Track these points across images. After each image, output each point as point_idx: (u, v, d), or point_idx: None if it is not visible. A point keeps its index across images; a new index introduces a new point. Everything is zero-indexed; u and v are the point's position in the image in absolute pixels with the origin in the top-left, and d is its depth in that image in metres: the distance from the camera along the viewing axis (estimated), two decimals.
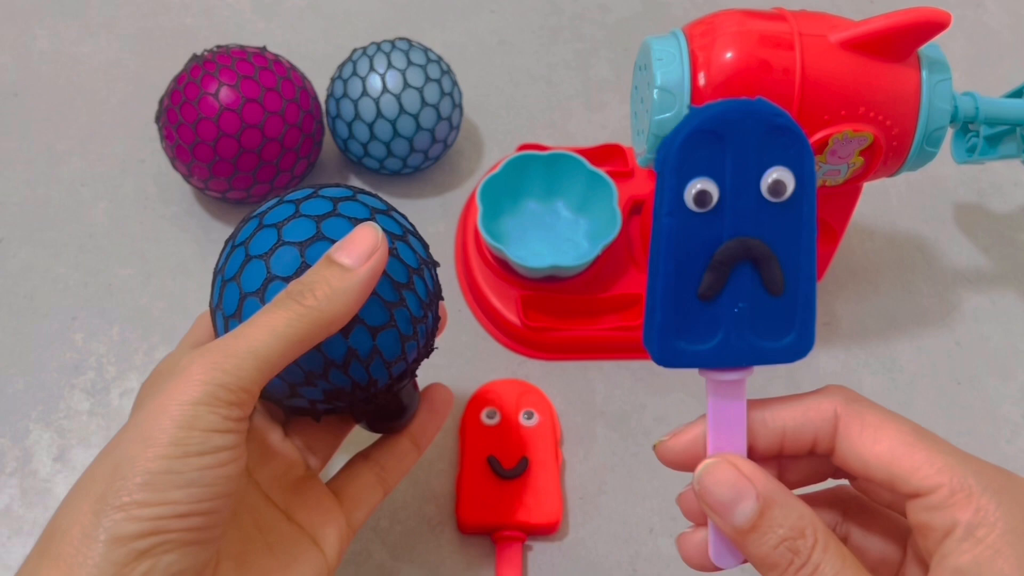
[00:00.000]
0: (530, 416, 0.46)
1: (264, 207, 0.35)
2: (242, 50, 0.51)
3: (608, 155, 0.55)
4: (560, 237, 0.52)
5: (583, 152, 0.54)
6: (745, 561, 0.28)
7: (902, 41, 0.39)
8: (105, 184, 0.56)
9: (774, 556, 0.26)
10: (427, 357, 0.36)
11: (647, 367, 0.51)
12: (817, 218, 0.27)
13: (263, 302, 0.32)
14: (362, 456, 0.38)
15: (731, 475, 0.27)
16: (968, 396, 0.51)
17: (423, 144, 0.53)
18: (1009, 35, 0.68)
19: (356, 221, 0.33)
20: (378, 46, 0.53)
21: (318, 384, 0.33)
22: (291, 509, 0.34)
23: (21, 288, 0.52)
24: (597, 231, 0.51)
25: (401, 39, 0.54)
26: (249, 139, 0.49)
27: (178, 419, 0.28)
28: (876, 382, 0.51)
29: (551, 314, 0.50)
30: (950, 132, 0.48)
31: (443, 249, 0.54)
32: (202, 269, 0.53)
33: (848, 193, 0.45)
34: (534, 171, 0.53)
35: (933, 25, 0.38)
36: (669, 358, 0.28)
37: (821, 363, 0.51)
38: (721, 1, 0.48)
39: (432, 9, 0.66)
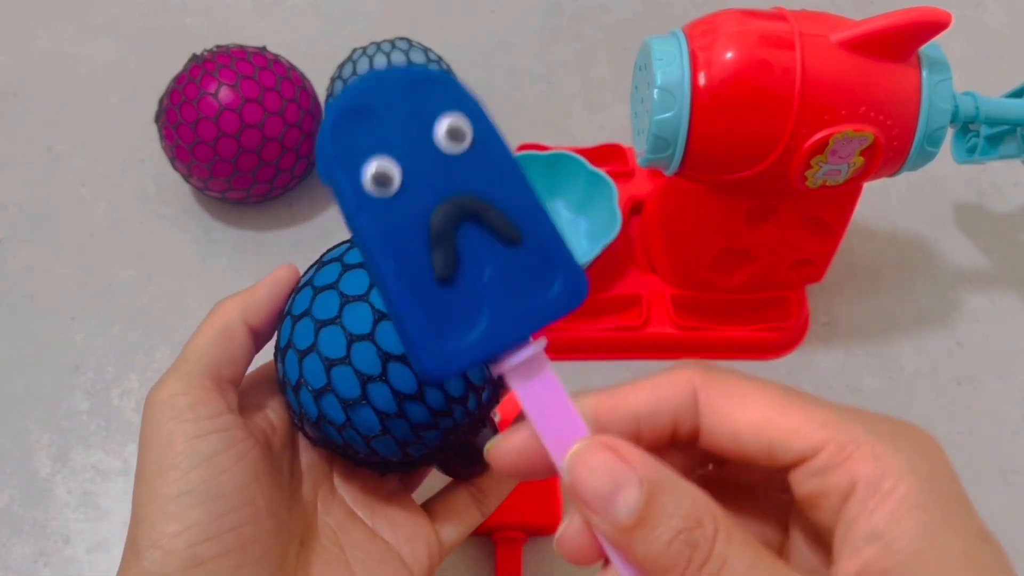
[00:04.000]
0: None
1: (308, 275, 0.33)
2: (242, 50, 0.51)
3: (608, 155, 0.55)
4: None
5: (583, 152, 0.54)
6: None
7: (902, 41, 0.39)
8: (105, 184, 0.56)
9: (669, 554, 0.21)
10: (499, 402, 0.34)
11: (647, 367, 0.51)
12: (513, 157, 0.24)
13: (351, 363, 0.30)
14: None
15: (607, 459, 0.22)
16: (968, 396, 0.51)
17: None
18: (1009, 35, 0.68)
19: None
20: (378, 46, 0.53)
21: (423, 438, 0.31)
22: (378, 524, 0.34)
23: (21, 288, 0.52)
24: (597, 231, 0.51)
25: (401, 39, 0.54)
26: (249, 139, 0.49)
27: (162, 447, 0.29)
28: (876, 382, 0.51)
29: None
30: (950, 132, 0.48)
31: None
32: (201, 269, 0.53)
33: (848, 193, 0.45)
34: (534, 171, 0.53)
35: (933, 25, 0.38)
36: (442, 366, 0.23)
37: (821, 363, 0.51)
38: (721, 1, 0.48)
39: (432, 9, 0.66)
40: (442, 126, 0.24)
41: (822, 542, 0.24)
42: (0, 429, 0.47)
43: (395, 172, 0.23)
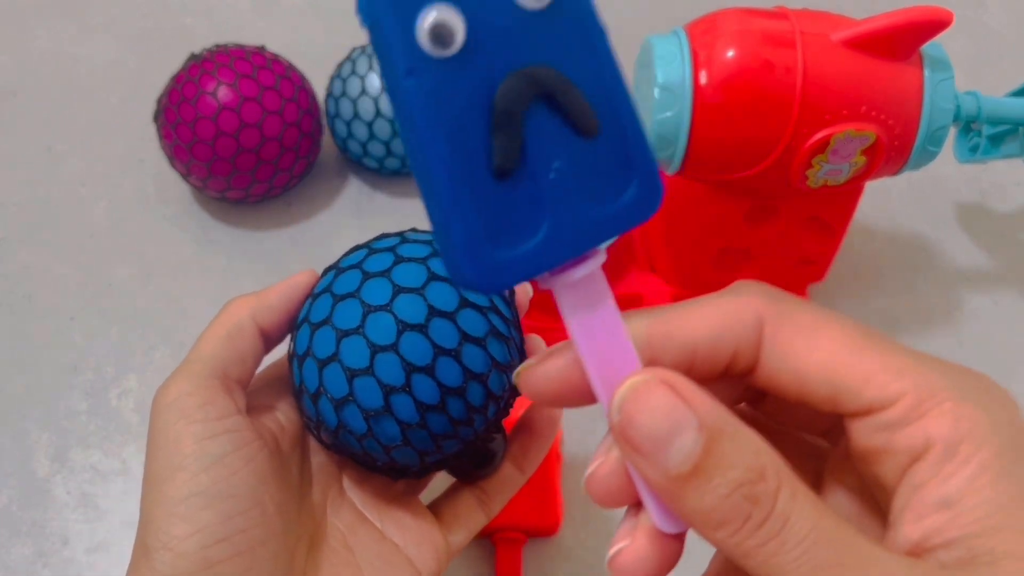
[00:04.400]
0: None
1: (325, 281, 0.32)
2: (240, 49, 0.51)
3: None
4: None
5: None
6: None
7: (904, 40, 0.39)
8: (104, 184, 0.56)
9: (725, 508, 0.19)
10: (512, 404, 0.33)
11: None
12: (602, 25, 0.19)
13: (374, 374, 0.30)
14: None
15: (665, 397, 0.19)
16: None
17: None
18: (1011, 34, 0.68)
19: (422, 261, 0.31)
20: None
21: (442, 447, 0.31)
22: (387, 527, 0.33)
23: (20, 288, 0.52)
24: None
25: None
26: (248, 138, 0.49)
27: (170, 447, 0.28)
28: None
29: (552, 314, 0.50)
30: (952, 131, 0.47)
31: None
32: (201, 269, 0.53)
33: (849, 192, 0.45)
34: None
35: (935, 24, 0.38)
36: (490, 278, 0.19)
37: None
38: (723, 0, 0.48)
39: None
40: None
41: (869, 499, 0.22)
42: None
43: (459, 25, 0.18)
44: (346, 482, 0.34)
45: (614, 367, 0.21)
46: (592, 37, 0.19)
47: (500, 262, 0.19)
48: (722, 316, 0.21)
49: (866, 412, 0.20)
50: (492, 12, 0.18)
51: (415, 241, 0.32)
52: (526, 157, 0.19)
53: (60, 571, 0.43)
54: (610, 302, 0.21)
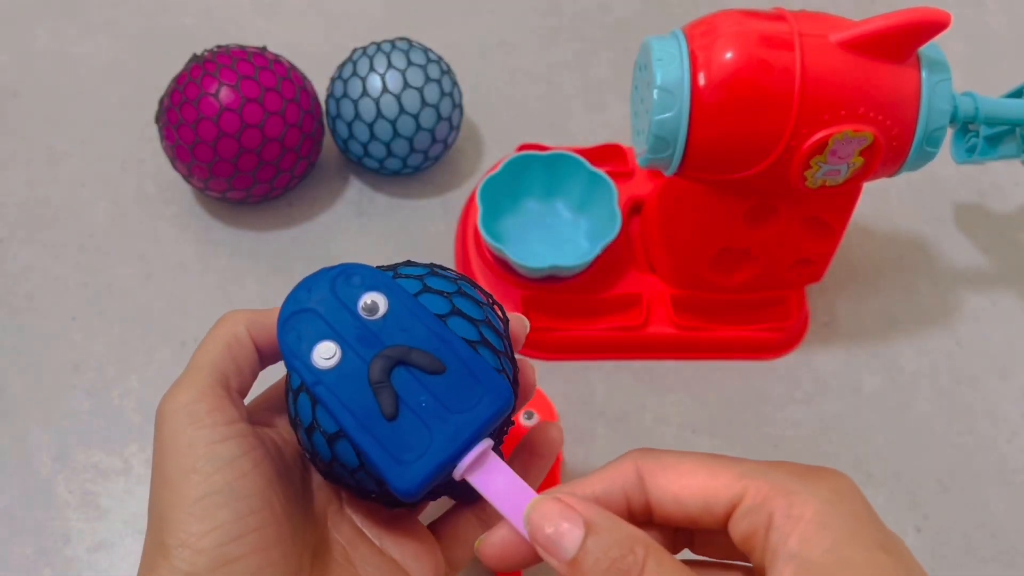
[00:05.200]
0: (530, 416, 0.46)
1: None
2: (242, 50, 0.51)
3: (608, 155, 0.55)
4: (560, 237, 0.52)
5: (583, 152, 0.54)
6: None
7: (902, 41, 0.39)
8: (105, 184, 0.56)
9: None
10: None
11: (647, 367, 0.51)
12: (425, 308, 0.31)
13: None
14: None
15: (556, 506, 0.26)
16: (968, 396, 0.51)
17: (423, 144, 0.53)
18: (1009, 35, 0.68)
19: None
20: (378, 46, 0.53)
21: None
22: (386, 544, 0.34)
23: (21, 288, 0.52)
24: (597, 231, 0.51)
25: (401, 39, 0.54)
26: (249, 139, 0.49)
27: (183, 451, 0.29)
28: (876, 382, 0.51)
29: (551, 314, 0.50)
30: (950, 132, 0.48)
31: (443, 249, 0.54)
32: (202, 269, 0.53)
33: (848, 193, 0.45)
34: (534, 171, 0.53)
35: (933, 25, 0.38)
36: (411, 481, 0.29)
37: (821, 363, 0.51)
38: (721, 1, 0.48)
39: (432, 9, 0.66)
40: (362, 303, 0.31)
41: None
42: (0, 429, 0.47)
43: (334, 348, 0.30)
44: (345, 498, 0.34)
45: (521, 505, 0.28)
46: (421, 317, 0.30)
47: (413, 468, 0.29)
48: (609, 473, 0.28)
49: (730, 510, 0.26)
50: (352, 331, 0.30)
51: (406, 276, 0.33)
52: (402, 401, 0.29)
53: (62, 570, 0.43)
54: (504, 466, 0.29)
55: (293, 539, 0.31)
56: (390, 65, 0.52)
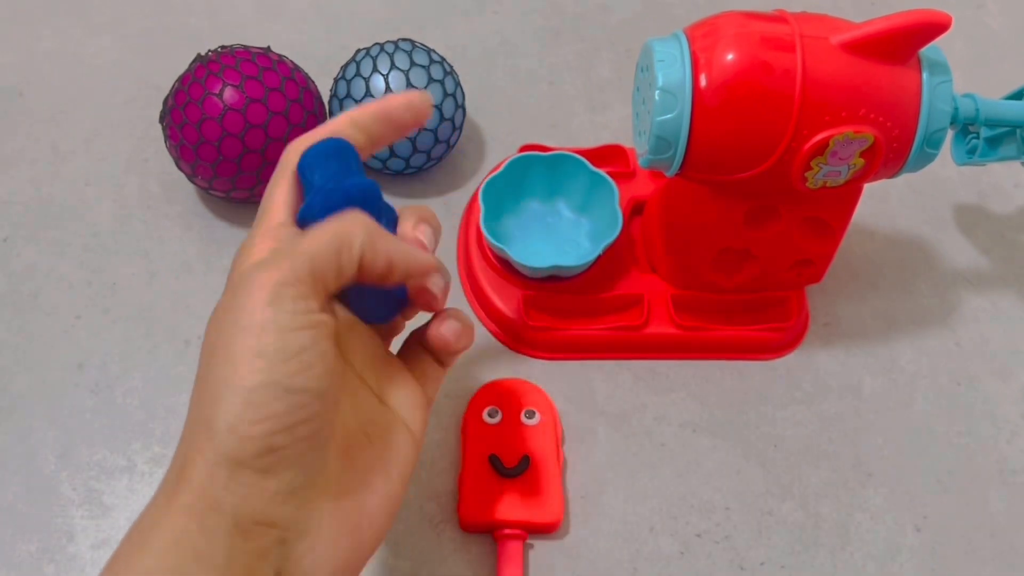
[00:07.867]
0: (532, 415, 0.47)
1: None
2: (246, 50, 0.51)
3: (610, 156, 0.55)
4: (562, 237, 0.53)
5: (585, 153, 0.54)
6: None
7: (903, 43, 0.39)
8: (109, 183, 0.57)
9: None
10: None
11: (648, 367, 0.51)
12: None
13: None
14: (415, 337, 0.38)
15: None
16: (968, 396, 0.51)
17: (426, 144, 0.53)
18: (1009, 36, 0.68)
19: None
20: (381, 47, 0.53)
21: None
22: (382, 390, 0.35)
23: (25, 287, 0.52)
24: (598, 231, 0.51)
25: (404, 40, 0.54)
26: (253, 139, 0.49)
27: (254, 330, 0.29)
28: (876, 382, 0.51)
29: (553, 314, 0.51)
30: (950, 134, 0.48)
31: (446, 249, 0.55)
32: (205, 268, 0.53)
33: (848, 194, 0.45)
34: (536, 172, 0.53)
35: (934, 27, 0.38)
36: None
37: (821, 363, 0.52)
38: (723, 2, 0.48)
39: (435, 10, 0.66)
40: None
41: None
42: (5, 427, 0.47)
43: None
44: (342, 345, 0.34)
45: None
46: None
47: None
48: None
49: None
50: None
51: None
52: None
53: (65, 567, 0.44)
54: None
55: (332, 424, 0.31)
56: (393, 66, 0.52)
